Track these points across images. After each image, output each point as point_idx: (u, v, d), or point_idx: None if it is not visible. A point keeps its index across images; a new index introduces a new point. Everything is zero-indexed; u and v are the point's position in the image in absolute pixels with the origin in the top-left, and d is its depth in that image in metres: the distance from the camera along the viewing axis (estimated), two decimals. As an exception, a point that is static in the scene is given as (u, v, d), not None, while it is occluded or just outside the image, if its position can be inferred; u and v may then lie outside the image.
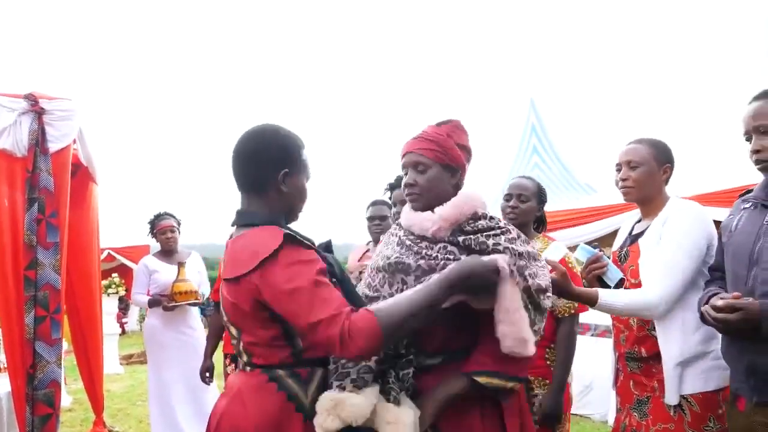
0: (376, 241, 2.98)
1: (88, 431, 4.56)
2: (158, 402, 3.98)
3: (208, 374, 3.34)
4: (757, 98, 1.63)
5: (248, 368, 1.45)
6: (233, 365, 3.30)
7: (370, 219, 2.98)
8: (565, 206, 6.55)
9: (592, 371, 4.66)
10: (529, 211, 2.34)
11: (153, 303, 4.04)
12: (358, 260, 3.00)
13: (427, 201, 1.55)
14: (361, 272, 2.40)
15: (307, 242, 1.39)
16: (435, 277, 1.39)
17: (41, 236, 2.84)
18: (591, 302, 1.77)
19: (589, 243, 2.57)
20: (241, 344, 1.46)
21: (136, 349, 8.98)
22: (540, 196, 2.40)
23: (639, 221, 2.03)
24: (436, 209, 1.52)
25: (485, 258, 1.40)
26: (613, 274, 1.88)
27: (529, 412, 1.68)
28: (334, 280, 1.42)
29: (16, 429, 2.93)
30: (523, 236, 1.55)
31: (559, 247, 2.18)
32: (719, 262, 1.79)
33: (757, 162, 1.62)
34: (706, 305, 1.55)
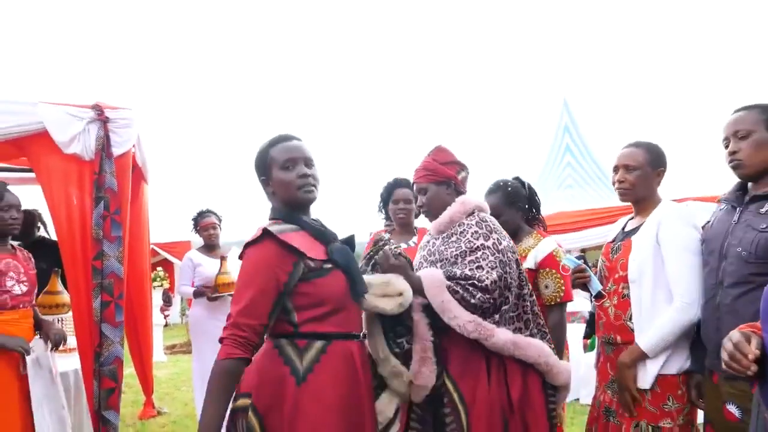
0: (402, 226, 3.02)
1: (140, 411, 4.88)
2: (203, 386, 4.26)
3: None
4: (738, 110, 1.81)
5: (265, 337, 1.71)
6: None
7: (395, 202, 3.00)
8: (599, 204, 6.76)
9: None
10: (510, 218, 2.42)
11: (197, 294, 4.29)
12: None
13: (434, 213, 2.06)
14: None
15: (288, 244, 1.60)
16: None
17: (107, 230, 3.10)
18: (641, 356, 1.93)
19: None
20: None
21: (178, 340, 9.40)
22: (510, 200, 2.46)
23: (631, 218, 2.20)
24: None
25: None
26: (595, 284, 2.08)
27: (537, 393, 1.94)
28: (330, 266, 1.64)
29: (83, 401, 3.27)
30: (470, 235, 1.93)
31: (548, 243, 2.36)
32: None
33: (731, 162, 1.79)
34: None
